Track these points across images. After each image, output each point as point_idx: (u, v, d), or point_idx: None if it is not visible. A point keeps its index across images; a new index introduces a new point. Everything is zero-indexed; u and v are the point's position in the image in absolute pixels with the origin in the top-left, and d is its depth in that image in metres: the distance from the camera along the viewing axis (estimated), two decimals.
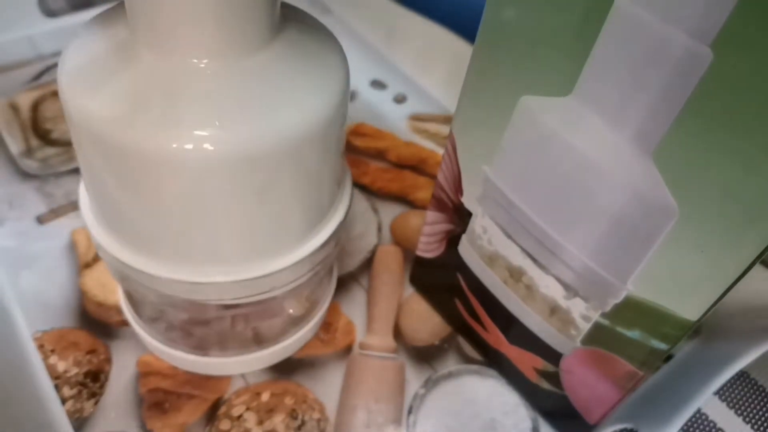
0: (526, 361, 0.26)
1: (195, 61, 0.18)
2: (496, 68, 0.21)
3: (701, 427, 0.28)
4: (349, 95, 0.22)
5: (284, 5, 0.20)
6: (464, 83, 0.22)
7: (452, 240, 0.27)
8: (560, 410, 0.26)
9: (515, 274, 0.24)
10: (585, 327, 0.22)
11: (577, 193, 0.20)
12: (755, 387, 0.29)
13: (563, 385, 0.25)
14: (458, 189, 0.25)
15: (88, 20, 0.21)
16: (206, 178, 0.19)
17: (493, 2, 0.20)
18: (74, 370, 0.27)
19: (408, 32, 0.46)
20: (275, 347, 0.27)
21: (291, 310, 0.27)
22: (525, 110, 0.20)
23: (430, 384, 0.29)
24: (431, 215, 0.28)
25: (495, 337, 0.27)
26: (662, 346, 0.20)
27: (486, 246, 0.25)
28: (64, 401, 0.26)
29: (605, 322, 0.22)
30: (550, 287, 0.23)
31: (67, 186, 0.34)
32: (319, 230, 0.23)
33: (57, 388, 0.26)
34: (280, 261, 0.22)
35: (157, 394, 0.27)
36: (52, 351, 0.27)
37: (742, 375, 0.30)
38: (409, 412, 0.28)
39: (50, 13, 0.43)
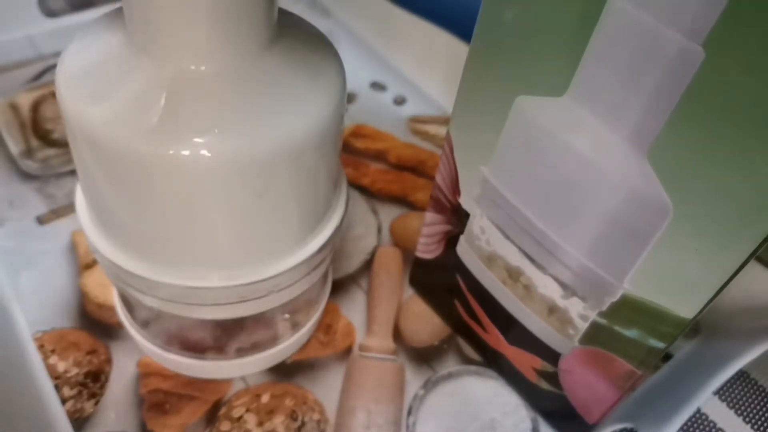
0: (525, 362, 0.26)
1: (192, 67, 0.18)
2: (492, 69, 0.21)
3: (701, 426, 0.28)
4: (345, 101, 0.22)
5: (281, 11, 0.20)
6: (460, 84, 0.22)
7: (451, 241, 0.27)
8: (560, 410, 0.26)
9: (513, 275, 0.24)
10: (583, 326, 0.22)
11: (573, 193, 0.20)
12: (755, 387, 0.29)
13: (562, 385, 0.25)
14: (456, 190, 0.25)
15: (86, 25, 0.21)
16: (203, 184, 0.19)
17: (488, 3, 0.20)
18: (74, 371, 0.27)
19: (408, 34, 0.46)
20: (272, 350, 0.27)
21: (287, 315, 0.27)
22: (521, 110, 0.20)
23: (429, 385, 0.29)
24: (430, 216, 0.28)
25: (494, 337, 0.27)
26: (659, 344, 0.20)
27: (484, 246, 0.25)
28: (64, 401, 0.26)
29: (603, 321, 0.22)
30: (548, 287, 0.23)
31: (68, 187, 0.34)
32: (315, 234, 0.23)
33: (57, 388, 0.27)
34: (276, 265, 0.22)
35: (158, 395, 0.27)
36: (53, 351, 0.28)
37: (741, 375, 0.30)
38: (409, 413, 0.28)
39: (50, 13, 0.44)
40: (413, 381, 0.29)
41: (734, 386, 0.29)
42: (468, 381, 0.29)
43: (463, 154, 0.24)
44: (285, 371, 0.28)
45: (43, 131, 0.36)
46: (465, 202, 0.25)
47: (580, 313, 0.22)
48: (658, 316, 0.20)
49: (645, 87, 0.16)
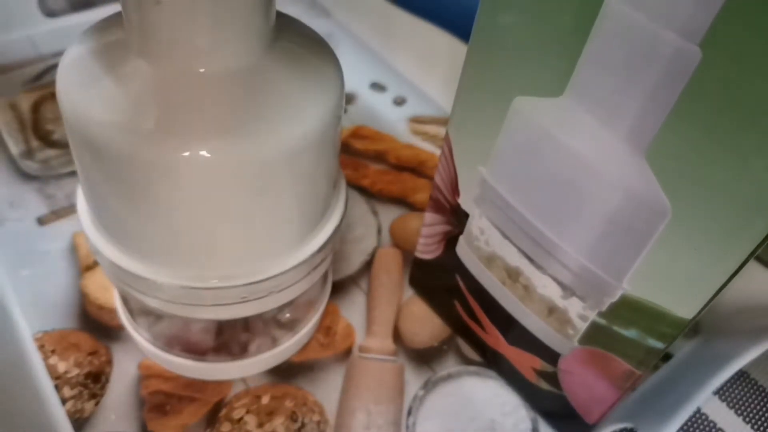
0: (525, 362, 0.26)
1: (191, 69, 0.18)
2: (490, 70, 0.21)
3: (701, 426, 0.28)
4: (343, 102, 0.22)
5: (279, 14, 0.21)
6: (459, 85, 0.22)
7: (450, 241, 0.27)
8: (559, 410, 0.26)
9: (513, 275, 0.24)
10: (582, 326, 0.22)
11: (572, 193, 0.20)
12: (755, 387, 0.29)
13: (562, 385, 0.25)
14: (455, 190, 0.25)
15: (86, 29, 0.21)
16: (202, 185, 0.19)
17: (486, 4, 0.20)
18: (75, 371, 0.27)
19: (407, 35, 0.46)
20: (272, 351, 0.27)
21: (287, 315, 0.27)
22: (519, 111, 0.20)
23: (429, 385, 0.29)
24: (429, 217, 0.28)
25: (494, 337, 0.27)
26: (658, 344, 0.20)
27: (483, 247, 0.25)
28: (64, 402, 0.26)
29: (602, 321, 0.22)
30: (547, 287, 0.23)
31: (68, 187, 0.34)
32: (315, 235, 0.23)
33: (57, 388, 0.27)
34: (276, 266, 0.22)
35: (159, 397, 0.27)
36: (53, 351, 0.28)
37: (741, 375, 0.30)
38: (409, 413, 0.28)
39: (50, 13, 0.44)
40: (413, 382, 0.29)
41: (734, 386, 0.29)
42: (468, 381, 0.29)
43: (462, 154, 0.24)
44: (285, 373, 0.28)
45: (43, 132, 0.36)
46: (464, 202, 0.25)
47: (580, 313, 0.22)
48: (658, 317, 0.20)
49: (642, 87, 0.16)
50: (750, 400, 0.29)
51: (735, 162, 0.16)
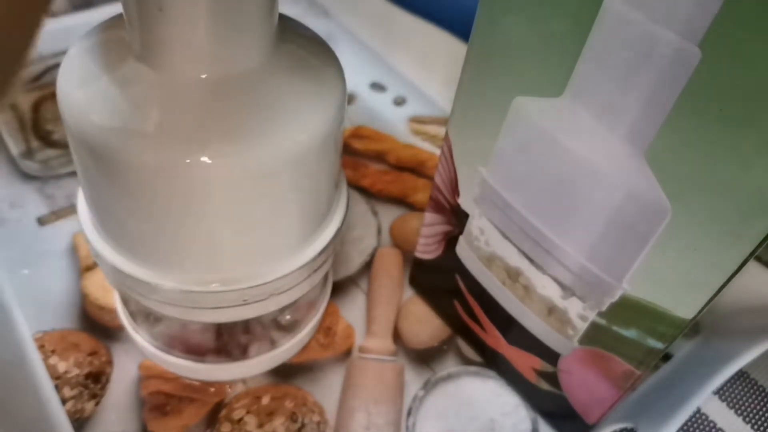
0: (525, 362, 0.26)
1: (193, 74, 0.18)
2: (490, 70, 0.21)
3: (701, 426, 0.28)
4: (345, 107, 0.22)
5: (281, 16, 0.20)
6: (458, 85, 0.22)
7: (450, 241, 0.27)
8: (559, 410, 0.26)
9: (513, 275, 0.24)
10: (582, 327, 0.22)
11: (572, 193, 0.20)
12: (755, 387, 0.29)
13: (562, 386, 0.25)
14: (455, 191, 0.25)
15: (87, 31, 0.21)
16: (204, 190, 0.19)
17: (485, 4, 0.20)
18: (75, 371, 0.27)
19: (407, 35, 0.46)
20: (272, 353, 0.27)
21: (288, 317, 0.27)
22: (518, 111, 0.20)
23: (429, 386, 0.29)
24: (429, 217, 0.28)
25: (494, 338, 0.27)
26: (658, 344, 0.20)
27: (483, 247, 0.25)
28: (64, 402, 0.26)
29: (602, 321, 0.22)
30: (547, 287, 0.23)
31: (68, 188, 0.34)
32: (316, 238, 0.23)
33: (57, 388, 0.27)
34: (277, 270, 0.22)
35: (159, 397, 0.27)
36: (53, 351, 0.28)
37: (741, 375, 0.30)
38: (409, 413, 0.28)
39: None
40: (413, 382, 0.29)
41: (734, 386, 0.29)
42: (467, 381, 0.29)
43: (462, 154, 0.24)
44: (285, 373, 0.28)
45: (43, 132, 0.36)
46: (464, 202, 0.25)
47: (580, 313, 0.22)
48: (657, 317, 0.20)
49: (642, 87, 0.16)
50: (750, 400, 0.29)
51: (735, 162, 0.16)
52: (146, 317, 0.27)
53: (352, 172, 0.37)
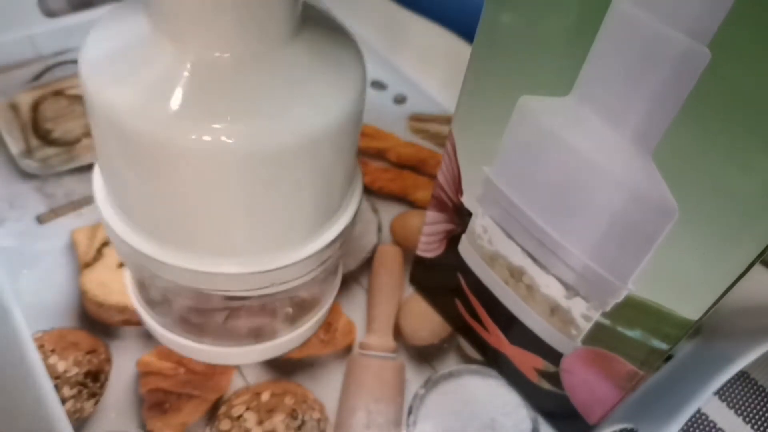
0: (527, 361, 0.26)
1: (216, 54, 0.18)
2: (495, 68, 0.21)
3: (701, 427, 0.28)
4: (365, 96, 0.22)
5: (305, 4, 0.21)
6: (463, 84, 0.22)
7: (452, 240, 0.27)
8: (560, 410, 0.26)
9: (516, 274, 0.24)
10: (585, 327, 0.22)
11: (577, 193, 0.20)
12: (755, 387, 0.29)
13: (564, 385, 0.25)
14: (458, 189, 0.25)
15: (107, 11, 0.21)
16: (222, 169, 0.19)
17: (491, 3, 0.20)
18: (74, 370, 0.27)
19: (408, 33, 0.46)
20: (279, 340, 0.27)
21: (289, 310, 0.28)
22: (524, 110, 0.20)
23: (430, 384, 0.29)
24: (431, 215, 0.28)
25: (495, 337, 0.27)
26: (662, 345, 0.20)
27: (486, 246, 0.25)
28: (64, 401, 0.26)
29: (606, 321, 0.22)
30: (550, 287, 0.23)
31: (68, 186, 0.34)
32: (327, 228, 0.24)
33: (57, 388, 0.26)
34: (288, 256, 0.23)
35: (158, 394, 0.27)
36: (52, 351, 0.27)
37: (742, 375, 0.30)
38: (409, 412, 0.28)
39: (50, 13, 0.43)
40: (414, 380, 0.29)
41: (734, 386, 0.29)
42: (469, 380, 0.29)
43: (466, 153, 0.24)
44: (285, 369, 0.28)
45: (43, 131, 0.36)
46: (467, 201, 0.25)
47: (583, 313, 0.22)
48: (662, 318, 0.20)
49: (650, 88, 0.16)
50: (750, 401, 0.29)
51: (743, 163, 0.16)
52: (161, 299, 0.27)
53: None
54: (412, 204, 0.36)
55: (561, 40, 0.18)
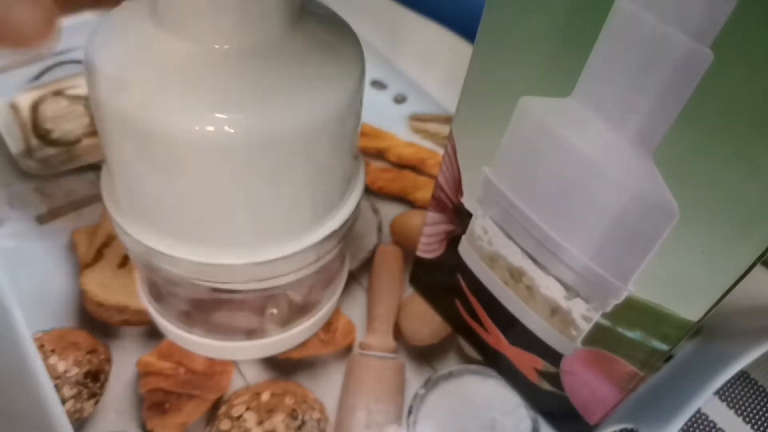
0: (527, 362, 0.26)
1: (217, 46, 0.19)
2: (496, 69, 0.21)
3: (701, 427, 0.28)
4: (364, 87, 0.22)
5: None
6: (464, 84, 0.22)
7: (452, 241, 0.27)
8: (560, 411, 0.26)
9: (516, 275, 0.24)
10: (586, 327, 0.22)
11: (578, 194, 0.20)
12: (755, 387, 0.29)
13: (564, 386, 0.25)
14: (458, 190, 0.25)
15: (112, 11, 0.21)
16: (226, 159, 0.19)
17: (492, 3, 0.20)
18: (74, 370, 0.27)
19: (408, 32, 0.46)
20: (282, 335, 0.28)
21: (273, 311, 0.28)
22: (525, 111, 0.20)
23: (430, 384, 0.29)
24: (431, 216, 0.28)
25: (495, 337, 0.27)
26: (663, 346, 0.20)
27: (486, 247, 0.25)
28: (64, 401, 0.26)
29: (606, 322, 0.22)
30: (550, 288, 0.23)
31: (67, 186, 0.34)
32: (329, 219, 0.24)
33: (57, 388, 0.26)
34: (289, 246, 0.23)
35: (158, 394, 0.27)
36: (52, 351, 0.27)
37: (742, 375, 0.30)
38: (409, 412, 0.28)
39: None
40: (414, 380, 0.29)
41: (734, 386, 0.29)
42: (469, 380, 0.29)
43: (466, 154, 0.24)
44: (285, 369, 0.28)
45: (42, 131, 0.36)
46: (467, 202, 0.25)
47: (583, 314, 0.22)
48: (663, 319, 0.20)
49: (651, 88, 0.16)
50: (750, 401, 0.29)
51: (744, 165, 0.16)
52: (168, 293, 0.27)
53: None
54: (412, 204, 0.36)
55: (562, 41, 0.18)
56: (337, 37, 0.22)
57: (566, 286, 0.22)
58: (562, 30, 0.18)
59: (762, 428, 0.28)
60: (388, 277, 0.33)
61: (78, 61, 0.40)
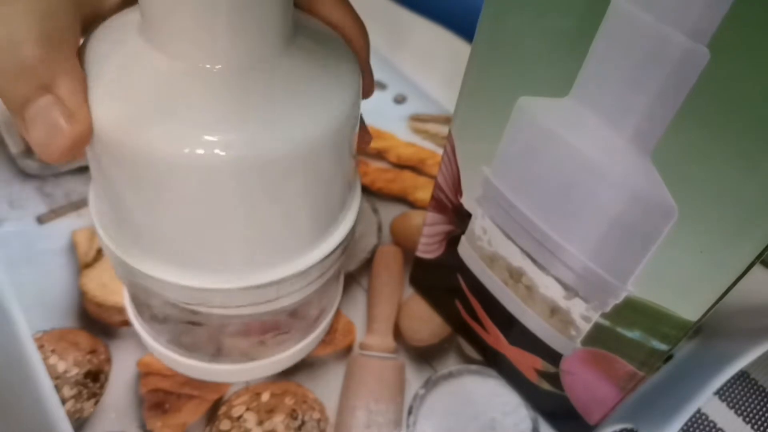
0: (527, 362, 0.26)
1: (208, 66, 0.18)
2: (494, 69, 0.21)
3: (701, 427, 0.28)
4: (360, 102, 0.21)
5: (297, 12, 0.20)
6: (462, 84, 0.22)
7: (452, 241, 0.27)
8: (560, 411, 0.26)
9: (515, 275, 0.24)
10: (585, 327, 0.22)
11: (577, 194, 0.20)
12: (755, 387, 0.29)
13: (563, 386, 0.25)
14: (457, 190, 0.25)
15: (100, 25, 0.21)
16: (216, 182, 0.19)
17: (491, 3, 0.20)
18: (74, 371, 0.27)
19: (408, 33, 0.46)
20: (281, 355, 0.27)
21: (296, 317, 0.27)
22: (523, 111, 0.20)
23: (430, 384, 0.29)
24: (431, 216, 0.28)
25: (495, 337, 0.27)
26: (662, 346, 0.20)
27: (486, 247, 0.25)
28: (64, 401, 0.26)
29: (605, 322, 0.22)
30: (550, 288, 0.23)
31: (67, 186, 0.34)
32: (326, 238, 0.23)
33: (57, 388, 0.26)
34: (286, 268, 0.22)
35: (158, 395, 0.27)
36: (53, 351, 0.27)
37: (742, 375, 0.30)
38: (409, 412, 0.28)
39: None
40: (414, 380, 0.29)
41: (734, 386, 0.29)
42: (468, 380, 0.29)
43: (465, 154, 0.24)
44: (285, 370, 0.28)
45: None
46: (467, 202, 0.25)
47: (583, 314, 0.22)
48: (662, 319, 0.20)
49: (649, 88, 0.16)
50: (750, 400, 0.29)
51: (742, 164, 0.16)
52: (155, 315, 0.27)
53: None
54: (412, 204, 0.36)
55: (561, 41, 0.18)
56: (331, 55, 0.21)
57: (565, 286, 0.22)
58: (560, 30, 0.18)
59: (762, 428, 0.28)
60: (388, 277, 0.33)
61: None
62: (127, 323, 0.29)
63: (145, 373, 0.27)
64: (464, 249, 0.26)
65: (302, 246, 0.22)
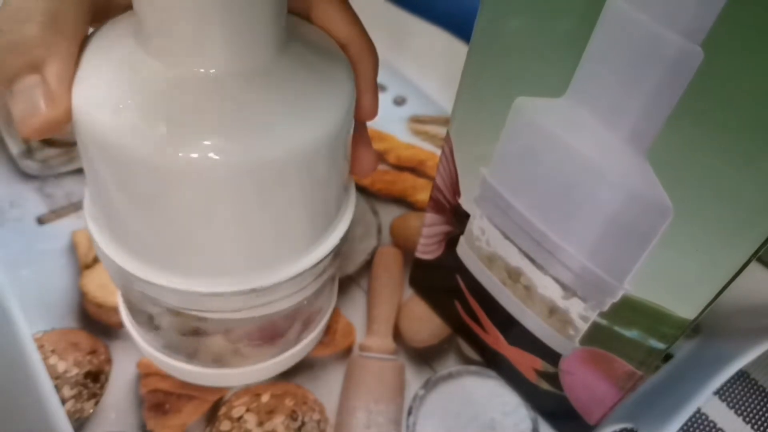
0: (526, 362, 0.26)
1: (202, 71, 0.18)
2: (491, 70, 0.21)
3: (701, 426, 0.28)
4: (354, 106, 0.21)
5: (291, 17, 0.20)
6: (460, 86, 0.22)
7: (451, 242, 0.27)
8: (560, 411, 0.26)
9: (513, 275, 0.24)
10: (583, 327, 0.22)
11: (573, 194, 0.20)
12: (755, 387, 0.29)
13: (563, 386, 0.25)
14: (456, 191, 0.25)
15: (97, 28, 0.21)
16: (211, 187, 0.19)
17: (487, 4, 0.20)
18: (74, 371, 0.27)
19: (408, 34, 0.46)
20: (277, 359, 0.27)
21: (294, 321, 0.27)
22: (520, 112, 0.20)
23: (429, 385, 0.29)
24: (429, 217, 0.28)
25: (494, 338, 0.27)
26: (660, 345, 0.20)
27: (484, 247, 0.25)
28: (64, 402, 0.26)
29: (603, 321, 0.22)
30: (548, 288, 0.23)
31: (68, 186, 0.34)
32: (322, 242, 0.23)
33: (57, 388, 0.27)
34: (282, 272, 0.22)
35: (158, 395, 0.27)
36: (53, 351, 0.28)
37: (742, 375, 0.30)
38: (409, 413, 0.28)
39: None
40: (413, 381, 0.29)
41: (734, 386, 0.29)
42: (468, 381, 0.29)
43: (463, 155, 0.24)
44: (285, 371, 0.28)
45: None
46: (465, 203, 0.25)
47: (581, 313, 0.22)
48: (659, 317, 0.20)
49: (644, 87, 0.16)
50: (750, 400, 0.29)
51: (737, 162, 0.16)
52: (149, 319, 0.27)
53: None
54: (412, 206, 0.36)
55: (557, 41, 0.18)
56: (326, 60, 0.21)
57: (564, 286, 0.22)
58: (557, 30, 0.18)
59: (762, 428, 0.28)
60: (388, 278, 0.33)
61: None
62: None
63: (145, 373, 0.28)
64: (463, 249, 0.26)
65: (297, 250, 0.22)
